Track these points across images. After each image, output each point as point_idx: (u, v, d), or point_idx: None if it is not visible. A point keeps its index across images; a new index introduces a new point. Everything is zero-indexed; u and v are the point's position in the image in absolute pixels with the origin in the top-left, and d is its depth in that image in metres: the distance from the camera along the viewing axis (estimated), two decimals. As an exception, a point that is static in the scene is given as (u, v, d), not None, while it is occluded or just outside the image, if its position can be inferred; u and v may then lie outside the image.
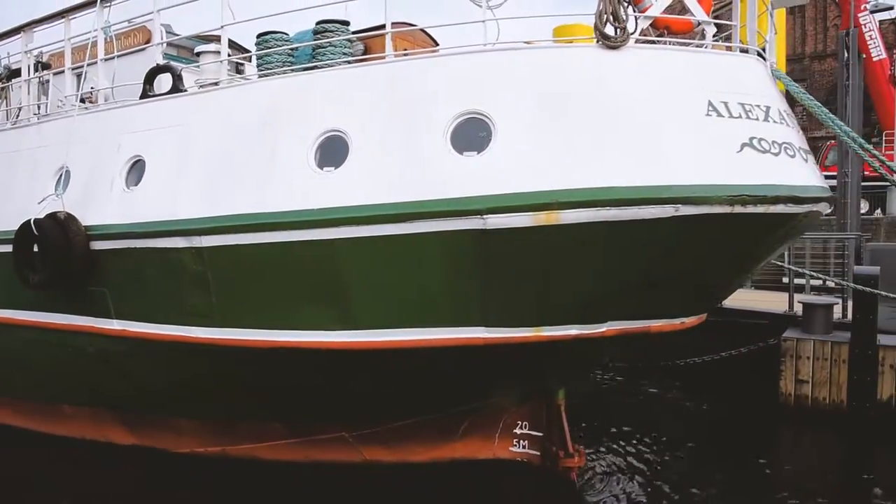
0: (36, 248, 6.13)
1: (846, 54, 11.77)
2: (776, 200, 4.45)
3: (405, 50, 6.74)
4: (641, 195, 4.34)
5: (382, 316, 5.02)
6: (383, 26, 6.41)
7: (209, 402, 6.34)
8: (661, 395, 10.77)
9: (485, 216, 4.50)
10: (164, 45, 6.81)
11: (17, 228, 6.20)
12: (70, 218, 6.06)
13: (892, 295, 8.92)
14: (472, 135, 4.73)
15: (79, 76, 6.92)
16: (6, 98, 7.99)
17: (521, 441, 6.84)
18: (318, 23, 5.77)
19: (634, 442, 8.04)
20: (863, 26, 29.59)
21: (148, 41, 6.98)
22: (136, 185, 5.97)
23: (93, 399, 6.96)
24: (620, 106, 4.63)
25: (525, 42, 5.15)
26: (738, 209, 4.39)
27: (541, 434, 6.72)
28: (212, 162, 5.57)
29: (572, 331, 5.03)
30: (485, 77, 4.81)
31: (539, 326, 4.98)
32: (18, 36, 7.30)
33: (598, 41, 4.76)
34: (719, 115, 4.65)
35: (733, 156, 4.52)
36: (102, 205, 6.10)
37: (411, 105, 4.90)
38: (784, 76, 5.69)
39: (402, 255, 4.80)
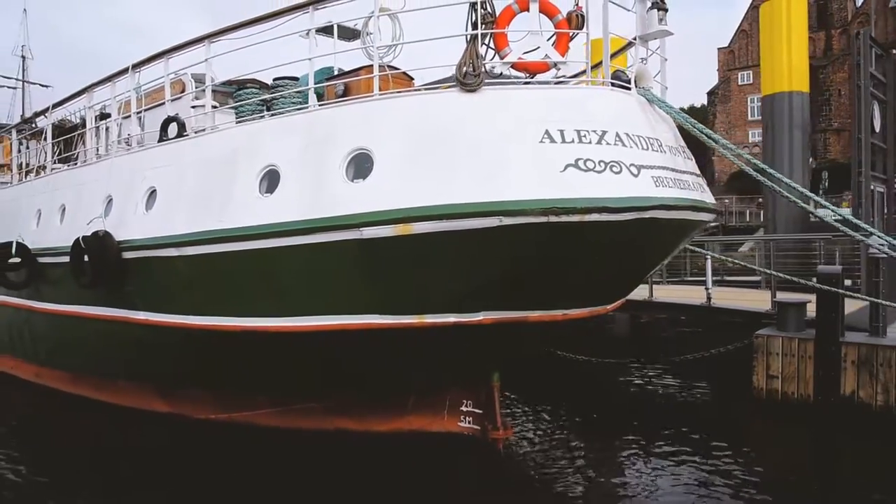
0: (86, 258, 8.19)
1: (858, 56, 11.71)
2: (587, 211, 5.44)
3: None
4: (471, 210, 5.50)
5: (304, 306, 6.49)
6: (358, 70, 7.86)
7: (209, 377, 8.08)
8: (647, 387, 11.48)
9: (361, 229, 5.85)
10: (193, 94, 8.70)
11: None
12: (107, 235, 8.03)
13: (849, 293, 9.21)
14: (360, 166, 6.10)
15: (121, 125, 9.00)
16: (83, 143, 10.30)
17: (467, 417, 8.01)
18: (274, 79, 7.37)
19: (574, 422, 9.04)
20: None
21: (182, 90, 8.91)
22: (151, 208, 7.84)
23: (135, 374, 8.96)
24: (471, 139, 5.80)
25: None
26: (553, 219, 5.43)
27: (480, 411, 7.89)
28: (195, 190, 7.30)
29: (450, 318, 6.23)
30: (371, 120, 6.17)
31: (422, 314, 6.24)
32: (85, 95, 9.53)
33: (458, 86, 5.97)
34: (552, 141, 5.69)
35: (556, 175, 5.55)
36: (130, 224, 8.01)
37: (321, 144, 6.34)
38: (655, 97, 6.53)
39: (313, 258, 6.23)
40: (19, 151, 12.04)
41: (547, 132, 5.72)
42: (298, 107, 7.00)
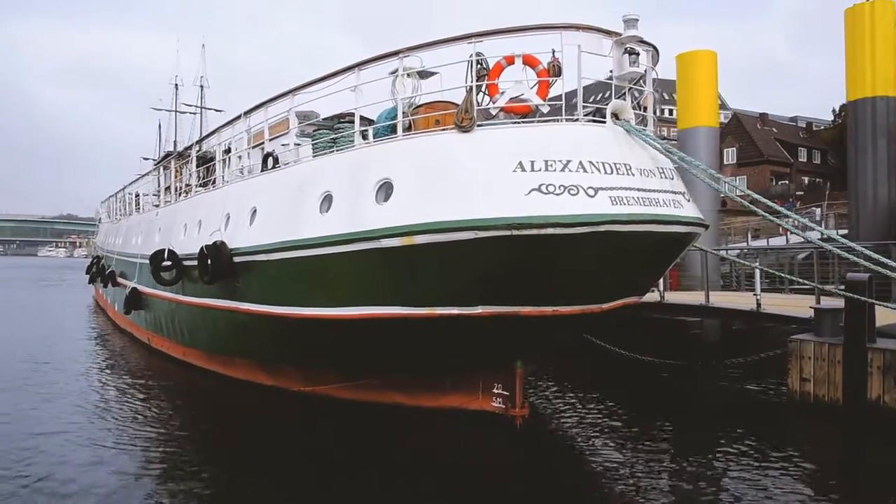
0: (208, 262, 10.76)
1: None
2: (542, 226, 6.79)
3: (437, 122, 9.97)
4: (454, 225, 7.08)
5: (347, 298, 8.40)
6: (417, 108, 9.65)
7: (292, 355, 10.29)
8: (692, 388, 12.15)
9: (380, 240, 7.64)
10: (298, 128, 11.01)
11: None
12: (223, 244, 10.54)
13: (875, 301, 9.43)
14: (385, 192, 7.91)
15: (240, 157, 11.59)
16: (215, 171, 13.12)
17: (498, 398, 9.52)
18: (337, 120, 9.41)
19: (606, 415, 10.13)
20: None
21: (287, 127, 11.31)
22: (253, 223, 10.21)
23: (244, 353, 11.44)
24: (461, 170, 7.39)
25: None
26: (515, 232, 6.85)
27: (508, 393, 9.35)
28: (280, 208, 9.52)
29: (454, 310, 7.81)
30: (393, 156, 7.95)
31: (433, 307, 7.88)
32: (215, 134, 12.28)
33: (456, 128, 7.57)
34: (523, 170, 7.12)
35: (522, 197, 6.97)
36: (239, 235, 10.45)
37: (360, 174, 8.23)
38: (633, 128, 7.68)
39: (351, 262, 8.12)
40: (176, 177, 15.33)
41: (520, 163, 7.16)
42: (350, 146, 8.96)
